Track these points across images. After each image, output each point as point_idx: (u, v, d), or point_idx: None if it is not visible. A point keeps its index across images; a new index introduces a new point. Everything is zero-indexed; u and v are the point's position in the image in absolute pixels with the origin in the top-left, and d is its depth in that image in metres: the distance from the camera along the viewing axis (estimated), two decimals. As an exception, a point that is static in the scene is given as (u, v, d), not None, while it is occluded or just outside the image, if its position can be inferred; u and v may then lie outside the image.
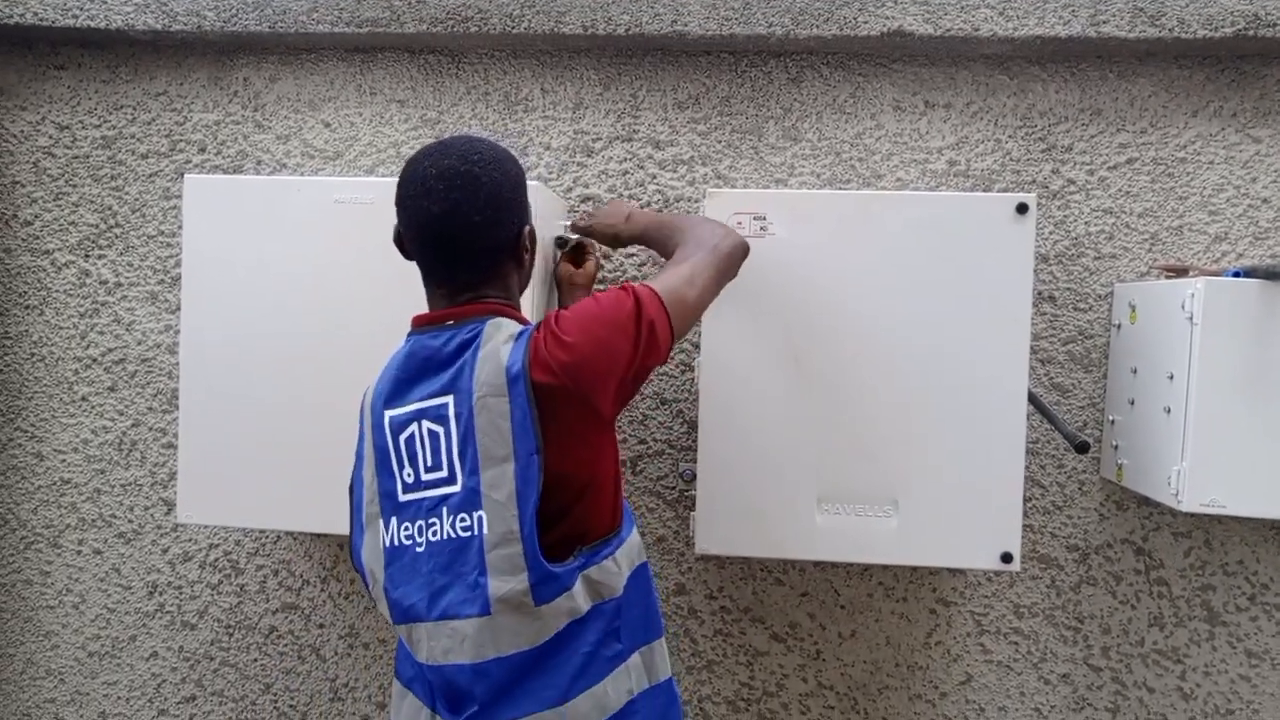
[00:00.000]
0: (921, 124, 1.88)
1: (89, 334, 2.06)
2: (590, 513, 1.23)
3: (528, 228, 1.30)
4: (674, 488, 1.94)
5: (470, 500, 1.16)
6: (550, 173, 1.95)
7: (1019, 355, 1.56)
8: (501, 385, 1.16)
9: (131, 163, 2.04)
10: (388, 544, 1.22)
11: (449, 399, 1.19)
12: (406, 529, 1.21)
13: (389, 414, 1.23)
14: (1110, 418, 1.81)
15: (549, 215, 1.75)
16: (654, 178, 1.93)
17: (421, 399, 1.21)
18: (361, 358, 1.63)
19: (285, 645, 2.04)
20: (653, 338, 1.22)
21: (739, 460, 1.61)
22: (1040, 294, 1.85)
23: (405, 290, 1.64)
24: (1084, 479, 1.86)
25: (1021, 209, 1.55)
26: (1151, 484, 1.64)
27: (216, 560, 2.04)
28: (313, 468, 1.64)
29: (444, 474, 1.19)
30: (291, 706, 2.05)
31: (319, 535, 2.01)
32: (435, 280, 1.27)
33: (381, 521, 1.24)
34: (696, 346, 1.89)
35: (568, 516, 1.20)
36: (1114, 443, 1.79)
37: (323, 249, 1.66)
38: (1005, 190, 1.86)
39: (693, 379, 1.91)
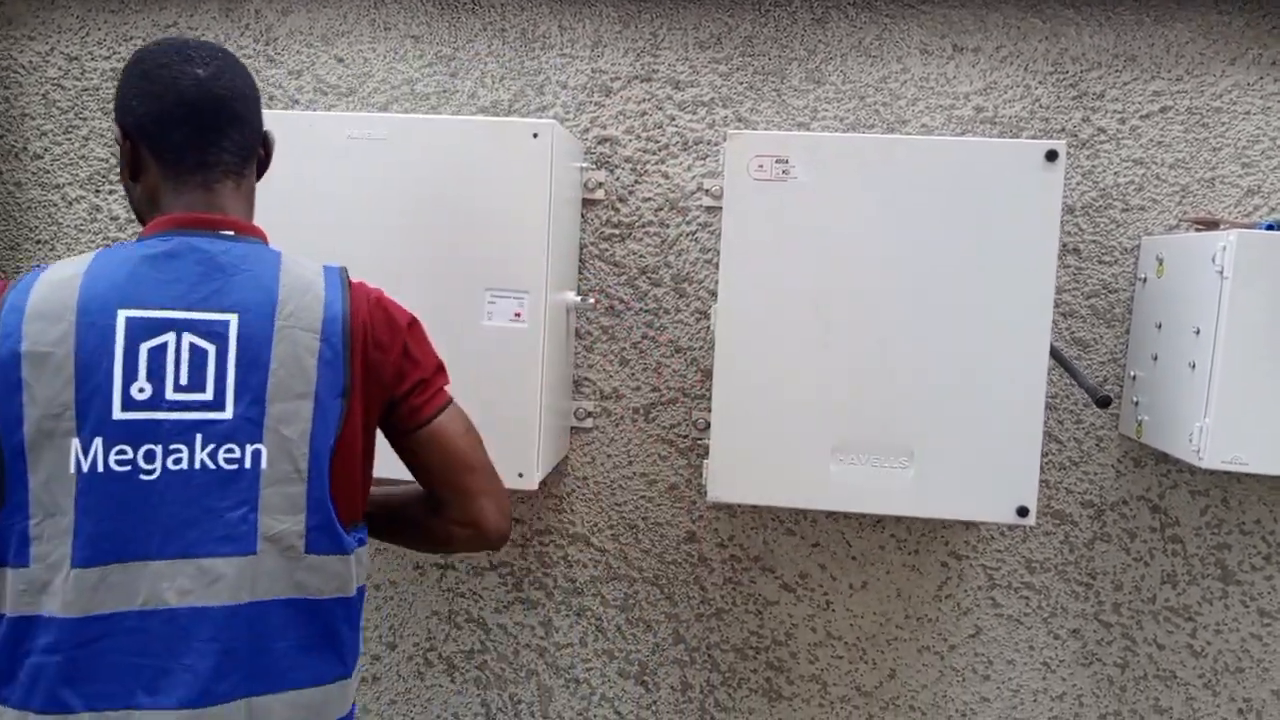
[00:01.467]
0: (949, 68, 1.83)
1: (100, 270, 2.05)
2: (364, 487, 1.17)
3: (269, 131, 1.23)
4: (687, 436, 1.92)
5: (244, 431, 1.05)
6: (567, 112, 1.91)
7: (1042, 308, 1.53)
8: (315, 325, 1.09)
9: (141, 96, 2.01)
10: (84, 469, 1.02)
11: (232, 318, 1.07)
12: (123, 452, 1.03)
13: (125, 314, 1.05)
14: (1132, 373, 1.79)
15: (567, 156, 1.71)
16: (673, 119, 1.89)
17: (187, 307, 1.06)
18: (374, 297, 1.62)
19: (296, 584, 2.05)
20: (414, 408, 1.18)
21: (753, 408, 1.60)
22: (1064, 246, 1.81)
23: (416, 227, 1.63)
24: (1102, 435, 1.84)
25: (1051, 156, 1.51)
26: (1172, 440, 1.62)
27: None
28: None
29: (206, 397, 1.05)
30: (303, 644, 2.06)
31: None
32: (189, 162, 1.13)
33: (75, 443, 1.02)
34: (713, 294, 1.87)
35: (350, 477, 1.13)
36: (1134, 399, 1.76)
37: (335, 185, 1.63)
38: (1033, 138, 1.81)
39: (707, 326, 1.88)
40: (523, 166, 1.60)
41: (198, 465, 1.04)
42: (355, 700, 1.19)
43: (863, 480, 1.58)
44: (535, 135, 1.59)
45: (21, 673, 1.03)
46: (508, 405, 1.63)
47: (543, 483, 1.72)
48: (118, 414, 1.03)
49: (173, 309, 1.06)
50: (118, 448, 1.03)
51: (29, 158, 2.05)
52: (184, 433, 1.04)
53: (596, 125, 1.91)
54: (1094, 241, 1.81)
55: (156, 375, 1.04)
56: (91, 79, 2.02)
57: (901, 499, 1.59)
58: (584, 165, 1.89)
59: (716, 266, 1.87)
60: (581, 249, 1.92)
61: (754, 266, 1.58)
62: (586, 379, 1.94)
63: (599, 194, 1.90)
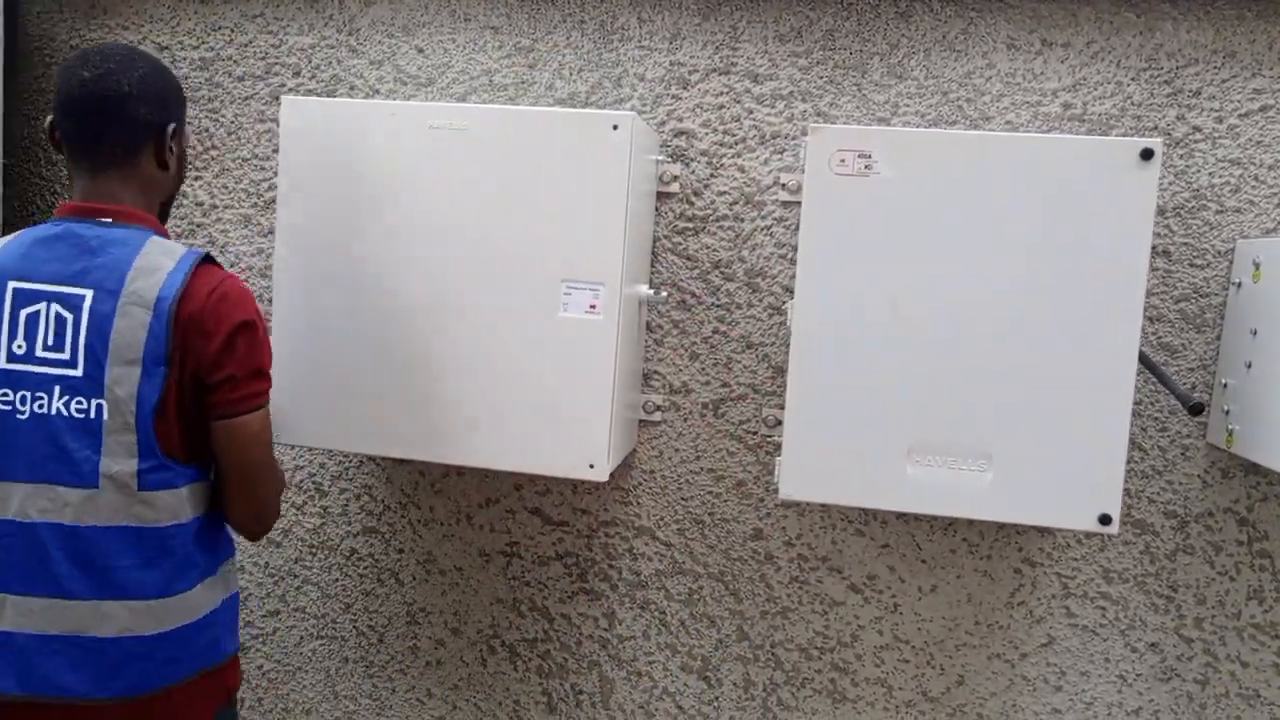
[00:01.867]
0: (1036, 63, 1.78)
1: (184, 255, 2.10)
2: (190, 438, 1.36)
3: (174, 125, 1.41)
4: (756, 432, 1.91)
5: (90, 388, 1.29)
6: (644, 105, 1.90)
7: (1132, 312, 1.48)
8: (150, 301, 1.29)
9: (228, 85, 2.06)
10: None
11: (88, 293, 1.30)
12: (5, 396, 1.31)
13: (14, 285, 1.32)
14: (1223, 381, 1.73)
15: (644, 149, 1.71)
16: (750, 112, 1.87)
17: (58, 282, 1.31)
18: (448, 284, 1.64)
19: (365, 567, 2.09)
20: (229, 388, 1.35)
21: (829, 406, 1.58)
22: (1154, 248, 1.76)
23: (494, 217, 1.64)
24: (1188, 444, 1.78)
25: (1146, 155, 1.46)
26: (1266, 451, 1.56)
27: (302, 482, 2.09)
28: (396, 394, 1.65)
29: (64, 356, 1.30)
30: (370, 627, 2.10)
31: (400, 461, 2.03)
32: (78, 155, 1.37)
33: None
34: (787, 289, 1.85)
35: (182, 429, 1.34)
36: (1225, 407, 1.70)
37: (416, 174, 1.65)
38: (1124, 136, 1.75)
39: (780, 322, 1.87)
40: (601, 158, 1.60)
41: (54, 411, 1.30)
42: (224, 581, 1.45)
43: (939, 482, 1.55)
44: (615, 127, 1.58)
45: None
46: (580, 397, 1.63)
47: (610, 475, 1.72)
48: (2, 364, 1.31)
49: (46, 283, 1.31)
50: (2, 390, 1.31)
51: (120, 144, 2.10)
52: (47, 384, 1.30)
53: (673, 118, 1.90)
54: (1185, 244, 1.75)
55: (31, 336, 1.31)
56: (181, 68, 2.07)
57: (978, 502, 1.55)
58: (660, 158, 1.88)
59: (791, 262, 1.85)
60: (655, 242, 1.92)
61: (833, 263, 1.56)
62: (656, 372, 1.94)
63: (674, 187, 1.90)
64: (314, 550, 2.10)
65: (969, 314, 1.52)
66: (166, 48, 2.07)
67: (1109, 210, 1.48)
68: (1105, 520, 1.52)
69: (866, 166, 1.54)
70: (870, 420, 1.56)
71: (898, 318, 1.54)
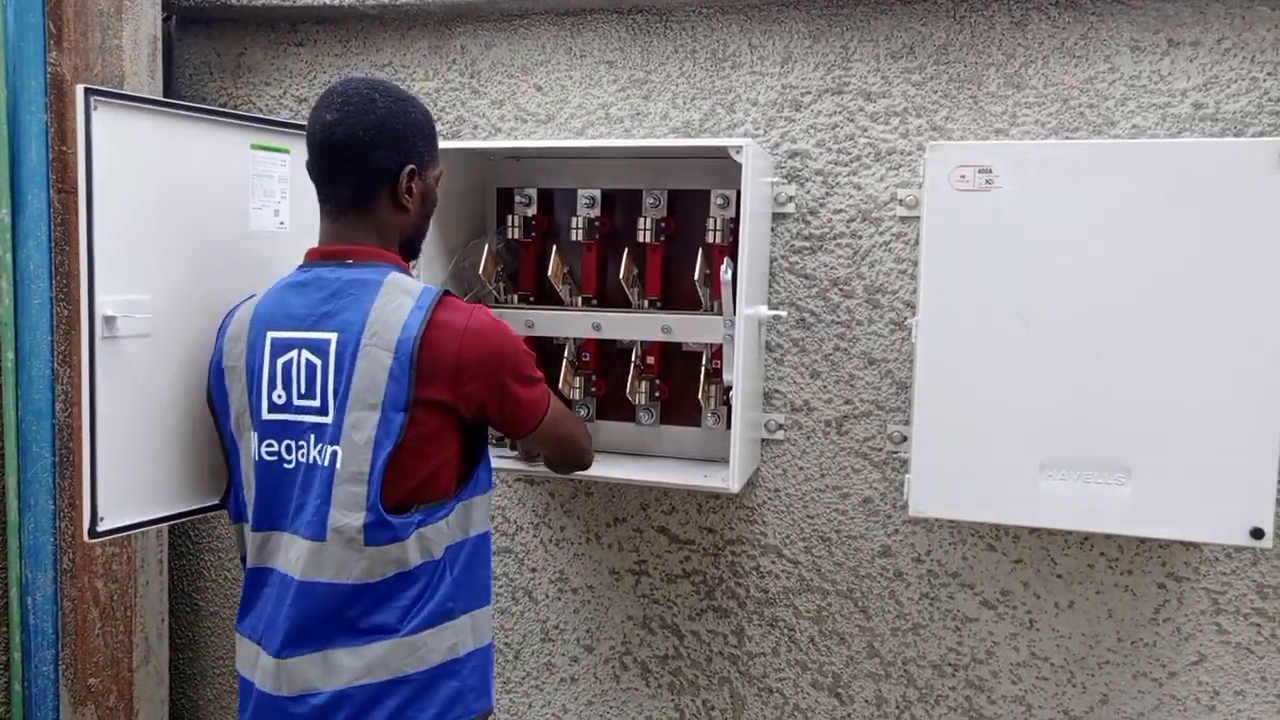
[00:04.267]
0: (1163, 64, 1.73)
1: (326, 292, 2.23)
2: (434, 477, 1.32)
3: (411, 168, 1.37)
4: (881, 449, 1.91)
5: (334, 434, 1.28)
6: (757, 129, 1.94)
7: (1277, 315, 1.43)
8: (391, 342, 1.27)
9: (362, 131, 2.18)
10: (256, 457, 1.34)
11: (333, 336, 1.29)
12: (270, 445, 1.32)
13: (271, 335, 1.33)
14: (1381, 385, 1.64)
15: (757, 172, 1.74)
16: (864, 130, 1.88)
17: (307, 329, 1.30)
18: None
19: (501, 586, 2.17)
20: (516, 411, 1.39)
21: (957, 422, 1.57)
22: (1299, 248, 1.68)
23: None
24: (1345, 451, 1.69)
25: (1286, 154, 1.41)
26: None
27: (439, 504, 2.19)
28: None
29: (316, 404, 1.29)
30: (507, 644, 2.18)
31: (531, 483, 2.11)
32: (322, 198, 1.38)
33: (253, 435, 1.34)
34: (909, 305, 1.85)
35: (413, 475, 1.30)
36: (1385, 412, 1.62)
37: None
38: (1261, 134, 1.69)
39: (903, 338, 1.86)
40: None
41: (310, 460, 1.30)
42: (464, 631, 1.39)
43: (1075, 497, 1.53)
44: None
45: (242, 599, 1.42)
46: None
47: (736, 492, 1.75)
48: (265, 415, 1.33)
49: (297, 330, 1.32)
50: (267, 441, 1.33)
51: (266, 191, 2.26)
52: (305, 432, 1.31)
53: (787, 140, 1.92)
54: (1333, 242, 1.67)
55: (287, 384, 1.32)
56: (318, 118, 2.21)
57: (1117, 517, 1.52)
58: (774, 180, 1.91)
59: (912, 277, 1.85)
60: (771, 262, 1.94)
61: (957, 278, 1.56)
62: (777, 391, 1.96)
63: (789, 207, 1.92)
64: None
65: (1100, 325, 1.50)
66: (305, 100, 2.22)
67: (1247, 213, 1.44)
68: (1258, 534, 1.46)
69: (987, 181, 1.53)
70: (1000, 434, 1.55)
71: (1027, 330, 1.53)
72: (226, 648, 2.38)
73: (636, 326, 1.86)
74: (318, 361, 1.29)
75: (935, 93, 1.84)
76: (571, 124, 2.05)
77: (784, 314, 1.89)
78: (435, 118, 2.12)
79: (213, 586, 2.37)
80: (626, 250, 1.86)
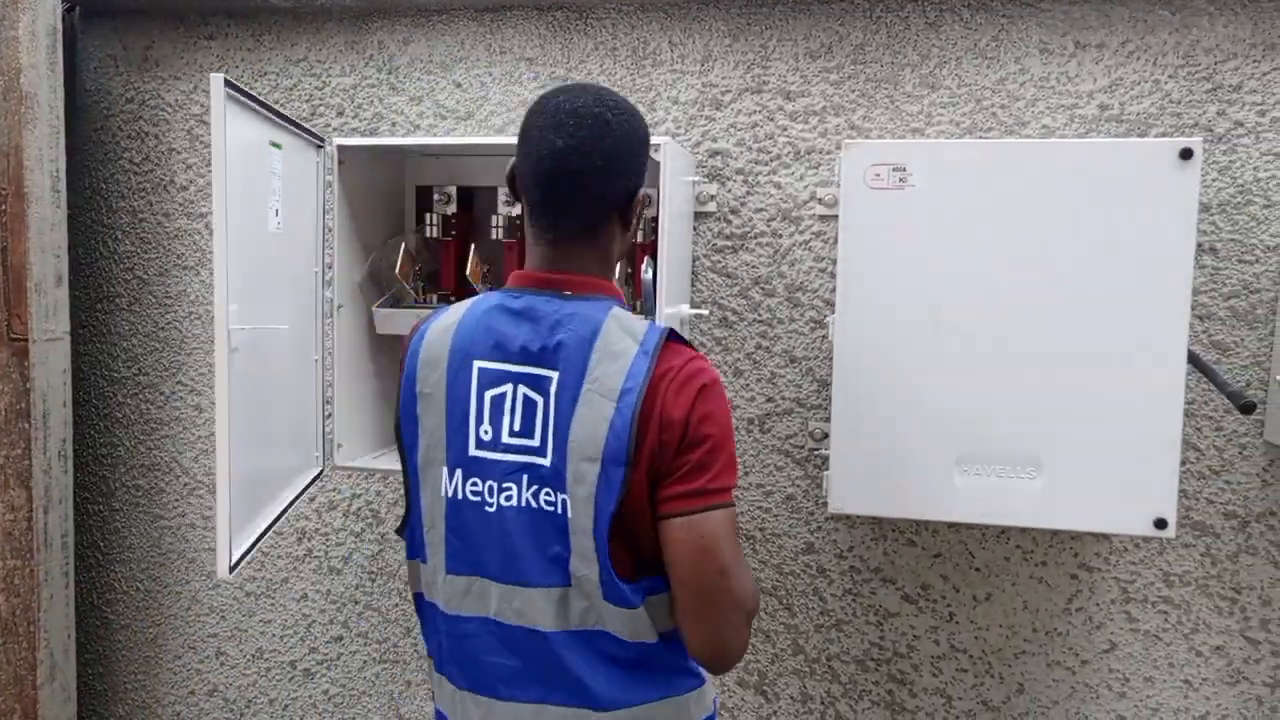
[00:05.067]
0: (1070, 66, 1.77)
1: (240, 293, 2.17)
2: (647, 551, 1.17)
3: (643, 192, 1.25)
4: (803, 446, 1.92)
5: (557, 480, 1.15)
6: (678, 127, 1.93)
7: (1179, 312, 1.47)
8: (615, 390, 1.13)
9: (276, 128, 2.13)
10: (448, 494, 1.21)
11: (555, 374, 1.16)
12: (474, 484, 1.19)
13: (479, 364, 1.19)
14: (1278, 377, 1.70)
15: (678, 171, 1.73)
16: (784, 130, 1.89)
17: (523, 362, 1.17)
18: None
19: (424, 591, 2.13)
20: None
21: (874, 419, 1.58)
22: (1200, 246, 1.73)
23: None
24: (1245, 442, 1.75)
25: (1185, 155, 1.45)
26: (1325, 449, 1.53)
27: (359, 509, 2.14)
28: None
29: (534, 443, 1.17)
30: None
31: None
32: (542, 223, 1.21)
33: (445, 470, 1.21)
34: (828, 303, 1.86)
35: (637, 535, 1.16)
36: (1281, 404, 1.68)
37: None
38: (1164, 135, 1.74)
39: (824, 336, 1.88)
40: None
41: (523, 503, 1.17)
42: (707, 697, 1.27)
43: (989, 491, 1.55)
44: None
45: (436, 643, 1.27)
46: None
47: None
48: (471, 450, 1.19)
49: (511, 363, 1.18)
50: (471, 480, 1.20)
51: (176, 189, 2.19)
52: (514, 473, 1.17)
53: (708, 139, 1.92)
54: (1233, 240, 1.73)
55: (496, 420, 1.18)
56: (230, 113, 2.14)
57: (1030, 510, 1.55)
58: (696, 179, 1.91)
59: (831, 275, 1.86)
60: (694, 261, 1.94)
61: (872, 276, 1.57)
62: (701, 390, 1.95)
63: (710, 206, 1.92)
64: (374, 576, 2.15)
65: (1012, 322, 1.52)
66: (216, 95, 2.15)
67: (1150, 211, 1.47)
68: (1161, 524, 1.50)
69: (901, 179, 1.55)
70: (917, 431, 1.57)
71: (940, 328, 1.54)
72: (139, 662, 2.30)
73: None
74: (538, 399, 1.17)
75: (853, 92, 1.86)
76: (491, 121, 2.02)
77: (706, 313, 1.89)
78: (353, 114, 2.09)
79: (124, 599, 2.29)
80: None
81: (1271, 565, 1.76)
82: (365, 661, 2.18)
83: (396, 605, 2.14)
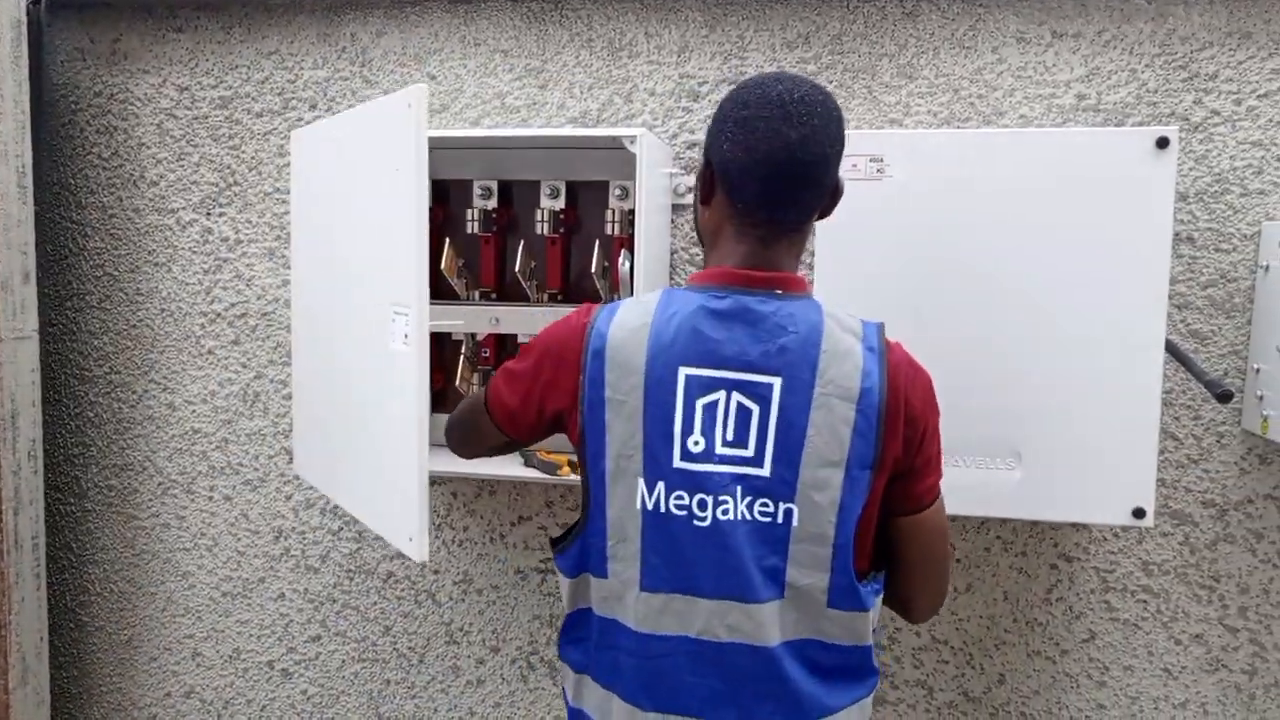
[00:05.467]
0: (1047, 56, 1.77)
1: (213, 289, 2.14)
2: (870, 551, 1.19)
3: (841, 179, 1.22)
4: (783, 439, 1.91)
5: (779, 490, 1.11)
6: (655, 119, 1.92)
7: (1157, 301, 1.47)
8: (853, 391, 1.10)
9: (247, 121, 2.10)
10: (649, 507, 1.14)
11: (777, 380, 1.11)
12: (680, 498, 1.13)
13: (686, 371, 1.13)
14: (1255, 366, 1.70)
15: (655, 163, 1.72)
16: (762, 121, 1.87)
17: (741, 369, 1.12)
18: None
19: (403, 590, 2.11)
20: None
21: (853, 411, 1.57)
22: (1177, 235, 1.73)
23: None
24: (1223, 431, 1.76)
25: (1162, 144, 1.45)
26: (1301, 437, 1.54)
27: (335, 508, 2.12)
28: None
29: (748, 453, 1.12)
30: (410, 648, 2.12)
31: (434, 482, 2.06)
32: (757, 217, 1.17)
33: (642, 481, 1.14)
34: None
35: (870, 536, 1.18)
36: (1259, 393, 1.68)
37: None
38: (1141, 124, 1.74)
39: (803, 328, 1.86)
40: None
41: (739, 516, 1.12)
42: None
43: (967, 482, 1.55)
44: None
45: (609, 662, 1.20)
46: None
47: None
48: (677, 463, 1.13)
49: (725, 369, 1.12)
50: (676, 493, 1.13)
51: (145, 184, 2.15)
52: (729, 485, 1.12)
53: (685, 130, 1.91)
54: (1210, 229, 1.73)
55: (709, 430, 1.12)
56: (201, 107, 2.11)
57: (1008, 501, 1.55)
58: (673, 171, 1.89)
59: (809, 268, 1.85)
60: (672, 254, 1.93)
61: (849, 267, 1.56)
62: (681, 384, 1.94)
63: (688, 199, 1.90)
64: (351, 574, 2.13)
65: (990, 313, 1.52)
66: (187, 88, 2.11)
67: (1127, 201, 1.47)
68: (1139, 514, 1.50)
69: (879, 170, 1.54)
70: (895, 423, 1.56)
71: (918, 319, 1.53)
72: (114, 665, 2.27)
73: (536, 320, 1.82)
74: (753, 407, 1.11)
75: (830, 83, 1.85)
76: (466, 114, 2.00)
77: (684, 306, 1.87)
78: (326, 108, 2.06)
79: (98, 601, 2.26)
80: (523, 243, 1.82)
81: (1249, 553, 1.76)
82: (344, 661, 2.16)
83: (375, 604, 2.12)
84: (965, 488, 1.54)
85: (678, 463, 1.13)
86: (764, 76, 1.17)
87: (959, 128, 1.79)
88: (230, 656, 2.22)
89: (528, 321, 1.82)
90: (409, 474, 1.31)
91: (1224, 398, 1.43)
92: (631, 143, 1.59)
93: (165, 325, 2.17)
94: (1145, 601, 1.81)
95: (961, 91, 1.80)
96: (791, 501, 1.11)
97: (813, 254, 1.60)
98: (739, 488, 1.12)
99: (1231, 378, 1.74)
